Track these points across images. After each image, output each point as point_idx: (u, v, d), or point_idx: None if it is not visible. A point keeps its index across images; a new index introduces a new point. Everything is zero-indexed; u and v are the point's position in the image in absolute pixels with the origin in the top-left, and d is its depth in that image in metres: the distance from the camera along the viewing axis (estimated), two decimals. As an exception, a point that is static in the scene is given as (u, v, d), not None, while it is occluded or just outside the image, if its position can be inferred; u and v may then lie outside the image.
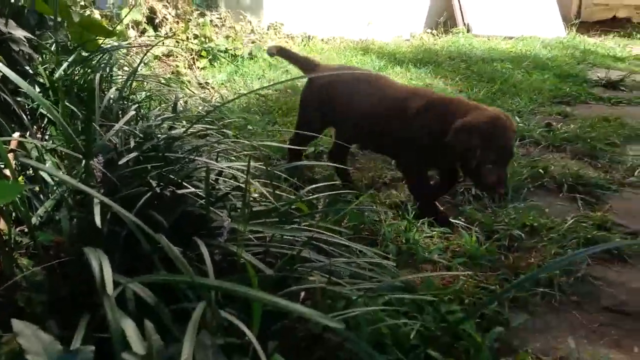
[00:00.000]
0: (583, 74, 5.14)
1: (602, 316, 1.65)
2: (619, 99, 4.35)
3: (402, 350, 1.25)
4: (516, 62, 5.40)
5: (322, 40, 6.63)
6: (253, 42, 5.60)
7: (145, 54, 3.39)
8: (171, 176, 1.18)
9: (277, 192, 1.73)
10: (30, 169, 1.37)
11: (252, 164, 1.73)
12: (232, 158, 2.01)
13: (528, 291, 1.69)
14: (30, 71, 1.81)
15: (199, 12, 5.59)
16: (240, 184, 1.28)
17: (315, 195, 1.54)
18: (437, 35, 7.52)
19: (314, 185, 1.73)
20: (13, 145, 1.29)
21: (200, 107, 2.94)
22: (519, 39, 7.12)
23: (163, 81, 3.10)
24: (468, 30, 7.50)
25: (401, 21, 7.81)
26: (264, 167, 1.63)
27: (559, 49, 6.57)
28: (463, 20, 7.71)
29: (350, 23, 7.17)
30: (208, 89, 4.20)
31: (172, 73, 4.43)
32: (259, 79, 4.59)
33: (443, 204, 2.29)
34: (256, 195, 1.58)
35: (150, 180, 1.16)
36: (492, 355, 1.33)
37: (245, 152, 2.06)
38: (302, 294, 1.08)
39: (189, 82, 4.22)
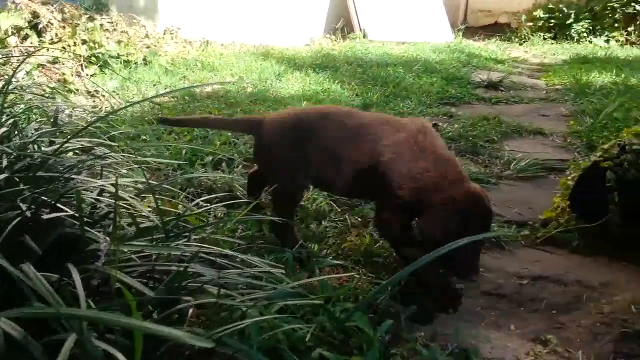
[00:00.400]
0: (467, 76, 5.56)
1: (483, 300, 1.81)
2: (498, 98, 4.76)
3: (298, 354, 1.29)
4: (408, 66, 5.71)
5: (222, 45, 6.56)
6: (148, 47, 5.40)
7: (22, 62, 3.14)
8: (44, 197, 1.12)
9: (169, 206, 1.69)
10: None
11: (141, 178, 1.68)
12: (124, 171, 1.93)
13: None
14: None
15: (87, 16, 5.27)
16: (122, 202, 1.24)
17: (209, 206, 1.53)
18: (335, 40, 7.74)
19: (209, 196, 1.71)
20: None
21: (89, 118, 2.78)
22: (410, 44, 7.54)
23: (46, 91, 2.90)
24: (364, 36, 7.82)
25: (300, 27, 7.95)
26: (156, 181, 1.59)
27: (447, 52, 7.04)
28: (359, 26, 8.01)
29: (249, 28, 7.16)
30: (98, 98, 3.99)
31: (58, 81, 4.14)
32: (154, 85, 4.44)
33: (340, 205, 2.37)
34: (149, 209, 1.54)
35: (21, 204, 1.09)
36: (383, 346, 1.41)
37: (136, 166, 1.99)
38: (191, 310, 1.07)
39: (77, 90, 3.98)
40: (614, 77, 5.49)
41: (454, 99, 4.60)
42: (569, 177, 2.35)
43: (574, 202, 2.23)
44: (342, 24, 8.16)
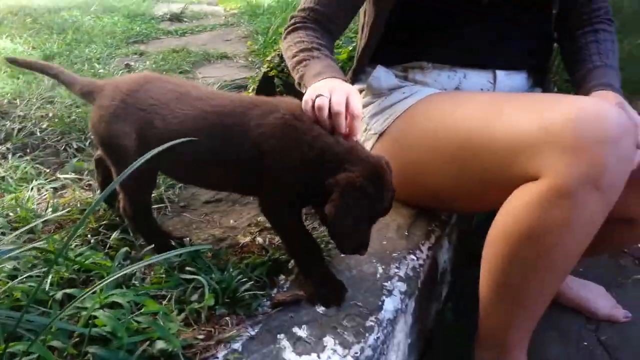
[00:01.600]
0: (149, 11, 5.57)
1: (205, 208, 2.13)
2: (183, 30, 4.98)
3: (43, 303, 1.37)
4: (84, 8, 5.36)
5: None
6: None
7: None
8: None
9: None
10: None
11: None
12: None
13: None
14: None
15: None
16: None
17: None
18: (-15, -14, 6.55)
19: None
20: None
21: None
22: (80, -18, 6.95)
23: None
24: (21, -22, 6.81)
25: None
26: None
27: (122, -12, 6.79)
28: (11, -34, 6.91)
29: None
30: None
31: None
32: None
33: (50, 165, 2.31)
34: None
35: None
36: (121, 268, 1.59)
37: None
38: None
39: None
40: (278, -4, 6.27)
41: (141, 36, 4.62)
42: (250, 90, 2.80)
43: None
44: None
